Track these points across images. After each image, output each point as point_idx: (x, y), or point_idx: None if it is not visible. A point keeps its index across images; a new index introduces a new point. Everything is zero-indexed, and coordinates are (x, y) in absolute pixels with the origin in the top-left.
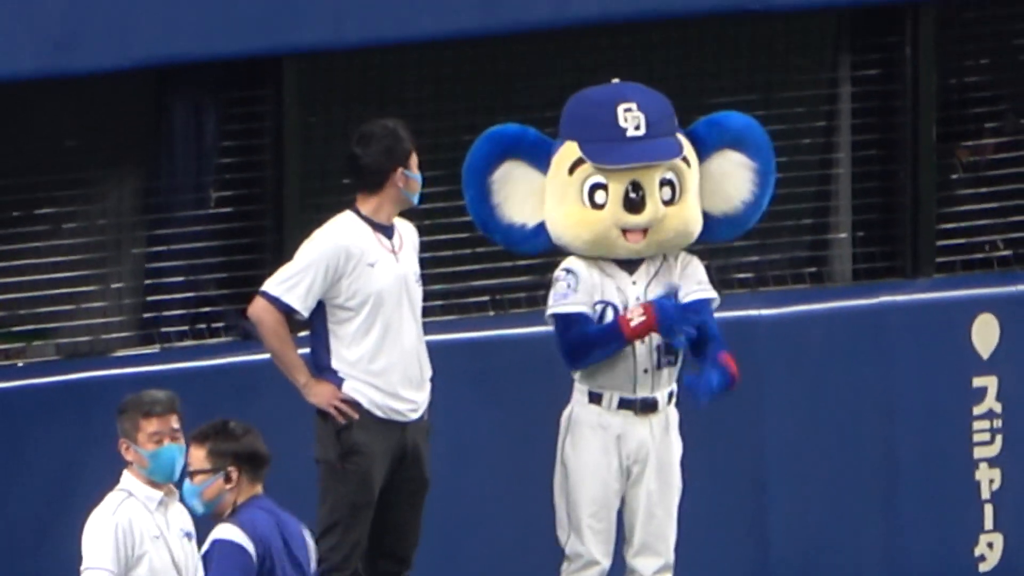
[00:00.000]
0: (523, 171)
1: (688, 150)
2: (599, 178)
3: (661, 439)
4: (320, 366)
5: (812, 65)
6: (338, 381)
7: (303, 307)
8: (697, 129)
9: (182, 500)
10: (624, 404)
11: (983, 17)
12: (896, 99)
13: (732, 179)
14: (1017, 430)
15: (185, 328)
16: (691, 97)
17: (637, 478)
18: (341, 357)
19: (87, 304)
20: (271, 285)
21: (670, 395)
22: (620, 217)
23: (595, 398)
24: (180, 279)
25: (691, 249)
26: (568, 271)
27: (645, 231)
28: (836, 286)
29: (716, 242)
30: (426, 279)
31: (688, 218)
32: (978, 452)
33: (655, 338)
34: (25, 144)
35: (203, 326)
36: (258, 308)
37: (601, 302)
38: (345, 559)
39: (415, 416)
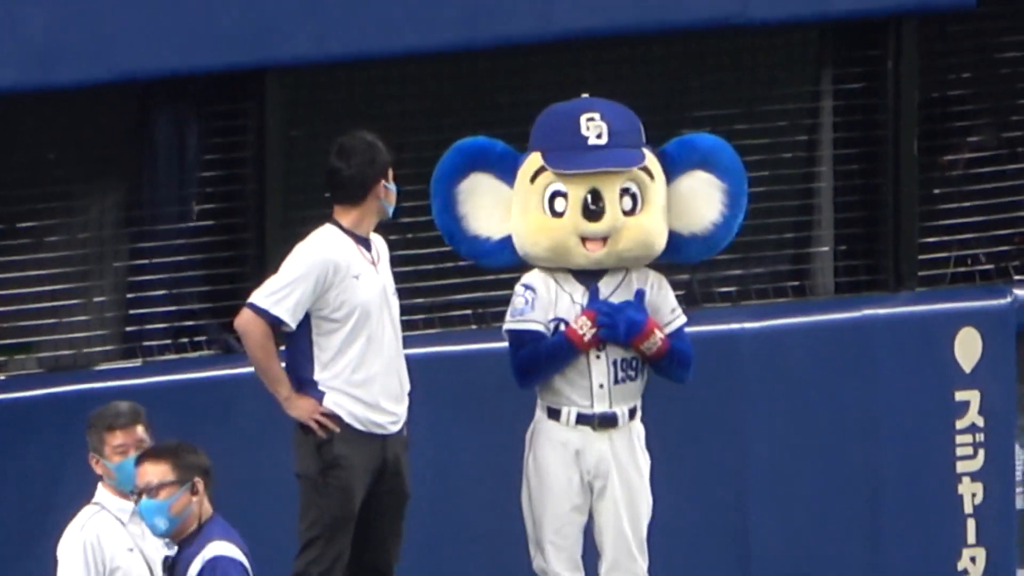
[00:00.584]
0: (490, 183)
1: (653, 164)
2: (559, 186)
3: (624, 454)
4: (301, 379)
5: (794, 79)
6: (319, 395)
7: (292, 319)
8: (668, 149)
9: (142, 518)
10: (582, 419)
11: (965, 31)
12: (878, 112)
13: (701, 199)
14: (999, 444)
15: (167, 342)
16: (674, 111)
17: (600, 493)
18: (324, 368)
19: (69, 317)
20: (259, 297)
21: (631, 411)
22: (579, 224)
23: (554, 414)
24: (162, 293)
25: (658, 268)
26: (527, 287)
27: (605, 240)
28: (818, 299)
29: (686, 262)
30: (409, 292)
31: (649, 230)
32: (961, 466)
33: (612, 353)
34: (7, 158)
35: (185, 340)
36: (245, 320)
37: (556, 319)
38: (326, 572)
39: (395, 429)
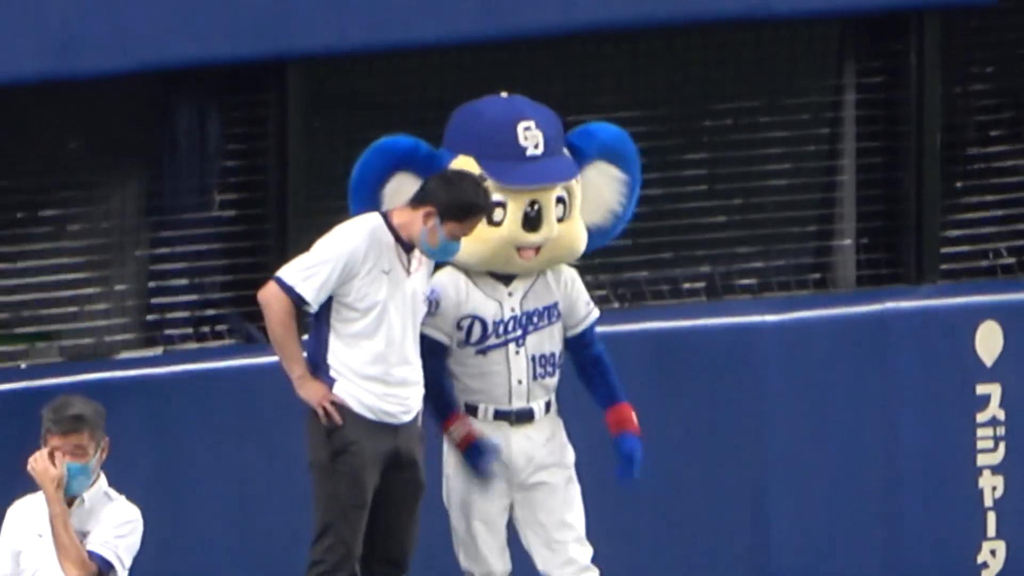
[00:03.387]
0: (413, 184)
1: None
2: (498, 196)
3: (545, 448)
4: (315, 362)
5: (817, 72)
6: (330, 381)
7: (314, 300)
8: (571, 140)
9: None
10: (499, 415)
11: (988, 25)
12: (901, 106)
13: (602, 190)
14: (1020, 437)
15: (188, 331)
16: (696, 104)
17: (524, 488)
18: (338, 356)
19: (90, 306)
20: (287, 272)
21: (547, 404)
22: (517, 235)
23: (470, 410)
24: (183, 282)
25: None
26: (433, 290)
27: (538, 248)
28: (840, 292)
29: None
30: None
31: (577, 234)
32: (981, 459)
33: (531, 348)
34: (29, 147)
35: (206, 329)
36: (269, 293)
37: (470, 316)
38: (341, 560)
39: (407, 419)
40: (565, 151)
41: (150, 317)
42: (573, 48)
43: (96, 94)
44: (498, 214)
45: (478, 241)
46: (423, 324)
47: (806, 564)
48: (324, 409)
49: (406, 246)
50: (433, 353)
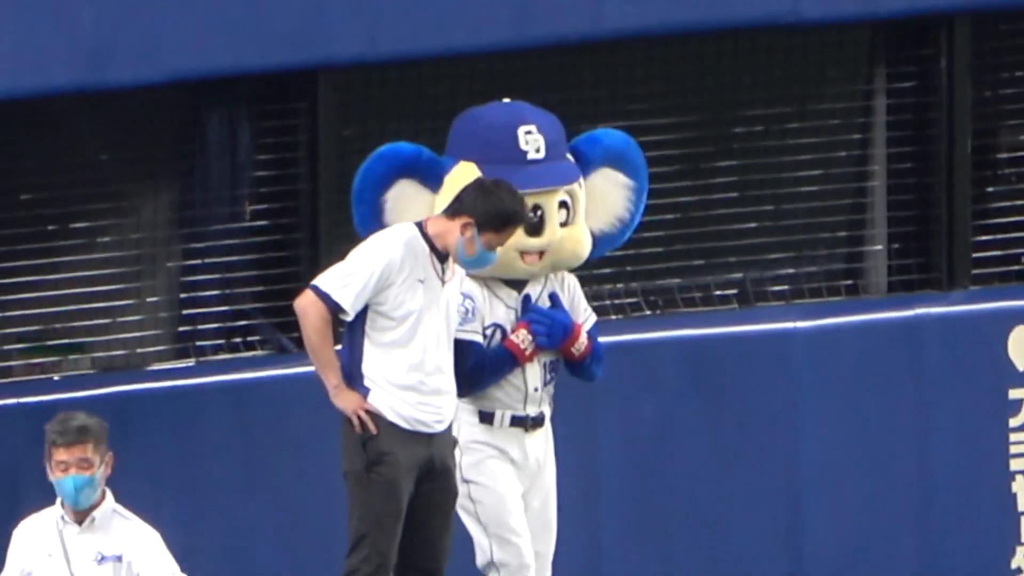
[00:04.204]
0: (415, 191)
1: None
2: None
3: (546, 453)
4: (350, 374)
5: (847, 77)
6: (365, 391)
7: (351, 307)
8: (577, 146)
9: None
10: (516, 422)
11: (1018, 28)
12: (931, 111)
13: (610, 197)
14: None
15: (220, 341)
16: (726, 110)
17: (528, 491)
18: (373, 365)
19: (122, 318)
20: (324, 281)
21: (551, 409)
22: (520, 240)
23: (486, 417)
24: (215, 292)
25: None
26: (465, 296)
27: (542, 253)
28: (871, 298)
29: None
30: None
31: (581, 239)
32: (1014, 464)
33: (543, 356)
34: (60, 158)
35: (238, 339)
36: (306, 301)
37: (492, 325)
38: (377, 569)
39: (441, 428)
40: (568, 156)
41: (182, 328)
42: (603, 55)
43: (128, 104)
44: None
45: None
46: (461, 331)
47: (839, 568)
48: (359, 418)
49: (440, 255)
50: (473, 353)
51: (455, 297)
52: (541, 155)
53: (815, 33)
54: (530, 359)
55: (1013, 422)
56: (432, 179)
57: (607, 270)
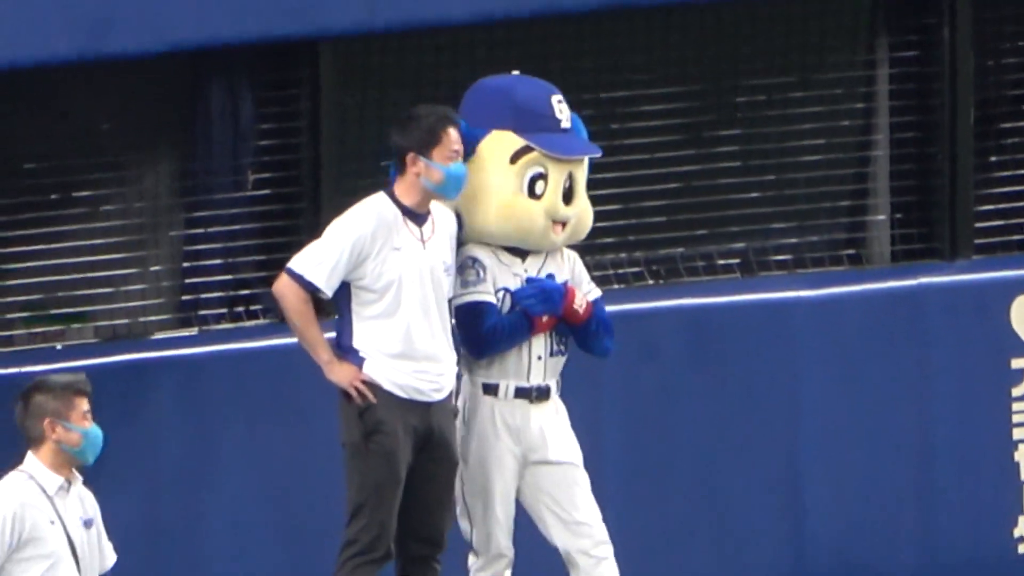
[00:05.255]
0: None
1: None
2: (540, 168)
3: (557, 425)
4: (342, 346)
5: (849, 47)
6: (359, 361)
7: (327, 286)
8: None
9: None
10: (520, 393)
11: None
12: (934, 81)
13: None
14: None
15: (223, 311)
16: (728, 80)
17: (540, 465)
18: (363, 339)
19: (125, 287)
20: (296, 262)
21: (558, 383)
22: (558, 207)
23: (490, 389)
24: (218, 262)
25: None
26: (475, 260)
27: (565, 224)
28: (874, 268)
29: None
30: None
31: (590, 213)
32: (1017, 433)
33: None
34: (62, 128)
35: (241, 308)
36: (281, 284)
37: (501, 289)
38: (376, 539)
39: (439, 397)
40: None
41: (184, 297)
42: (605, 24)
43: (129, 74)
44: (540, 186)
45: (516, 212)
46: (472, 291)
47: (841, 536)
48: (356, 389)
49: (416, 216)
50: (487, 313)
51: (443, 254)
52: (568, 125)
53: (817, 2)
54: (546, 327)
55: (1015, 391)
56: (468, 149)
57: (609, 239)
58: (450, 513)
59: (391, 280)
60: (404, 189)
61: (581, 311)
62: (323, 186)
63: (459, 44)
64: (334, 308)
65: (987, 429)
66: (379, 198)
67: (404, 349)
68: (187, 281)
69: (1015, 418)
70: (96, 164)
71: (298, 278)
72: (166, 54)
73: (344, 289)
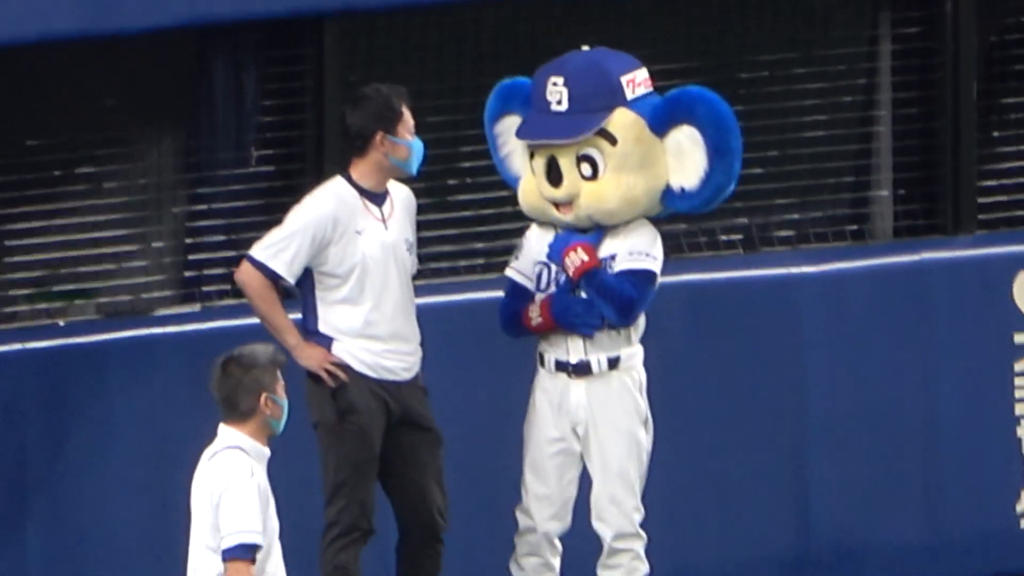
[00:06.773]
0: (515, 123)
1: (620, 126)
2: (531, 150)
3: (603, 403)
4: (308, 331)
5: (852, 23)
6: (327, 343)
7: (288, 274)
8: (658, 103)
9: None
10: (560, 366)
11: None
12: (937, 56)
13: (686, 155)
14: None
15: (226, 287)
16: (731, 56)
17: (583, 441)
18: (329, 323)
19: (128, 263)
20: (257, 250)
21: (612, 360)
22: (543, 186)
23: (540, 359)
24: (221, 238)
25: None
26: (525, 236)
27: (570, 204)
28: (877, 243)
29: (676, 213)
30: (472, 237)
31: (605, 196)
32: (1020, 409)
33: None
34: (66, 104)
35: None
36: (244, 272)
37: (540, 262)
38: (357, 518)
39: (408, 376)
40: (618, 111)
41: (187, 274)
42: (609, 3)
43: (132, 51)
44: (536, 166)
45: (525, 191)
46: (508, 267)
47: (846, 512)
48: (327, 371)
49: (374, 197)
50: (516, 296)
51: (404, 232)
52: (563, 107)
53: None
54: (540, 329)
55: (1018, 366)
56: (526, 111)
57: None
58: (445, 491)
59: (354, 263)
60: (364, 171)
61: (572, 269)
62: (327, 163)
63: (464, 21)
64: (297, 293)
65: (990, 404)
66: (337, 182)
67: (371, 330)
68: (190, 257)
69: (1018, 393)
70: (99, 141)
71: (260, 266)
72: (170, 30)
73: (307, 275)
